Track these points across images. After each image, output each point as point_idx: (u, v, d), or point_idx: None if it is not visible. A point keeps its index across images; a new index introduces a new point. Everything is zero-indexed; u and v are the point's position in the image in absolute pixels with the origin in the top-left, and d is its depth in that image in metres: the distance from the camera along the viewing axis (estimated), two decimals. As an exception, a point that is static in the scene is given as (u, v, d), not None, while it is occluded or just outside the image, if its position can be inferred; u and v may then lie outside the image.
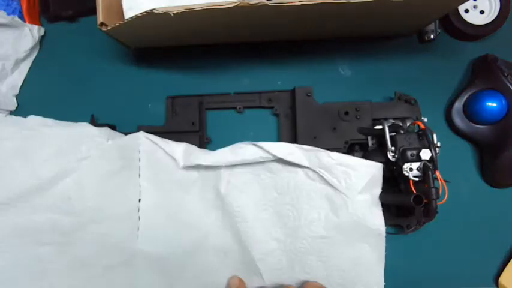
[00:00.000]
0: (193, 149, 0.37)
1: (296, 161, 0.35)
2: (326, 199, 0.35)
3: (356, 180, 0.35)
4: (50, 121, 0.37)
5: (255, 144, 0.36)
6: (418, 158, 0.36)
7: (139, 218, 0.35)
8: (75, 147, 0.34)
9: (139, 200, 0.36)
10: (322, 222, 0.35)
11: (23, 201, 0.32)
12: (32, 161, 0.33)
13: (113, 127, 0.43)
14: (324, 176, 0.35)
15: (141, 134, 0.37)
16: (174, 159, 0.36)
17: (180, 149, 0.36)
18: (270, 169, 0.36)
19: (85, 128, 0.37)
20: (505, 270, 0.41)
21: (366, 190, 0.35)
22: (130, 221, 0.35)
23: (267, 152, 0.35)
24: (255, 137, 0.44)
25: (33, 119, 0.36)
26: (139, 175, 0.36)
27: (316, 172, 0.35)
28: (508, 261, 0.41)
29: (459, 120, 0.42)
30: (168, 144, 0.36)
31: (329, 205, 0.36)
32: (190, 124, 0.43)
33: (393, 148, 0.37)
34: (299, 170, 0.36)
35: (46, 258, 0.32)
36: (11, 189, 0.32)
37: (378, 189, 0.36)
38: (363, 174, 0.35)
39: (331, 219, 0.35)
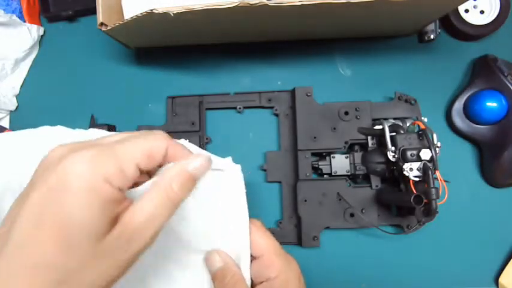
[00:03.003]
0: None
1: None
2: None
3: None
4: None
5: None
6: (418, 158, 0.36)
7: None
8: None
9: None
10: None
11: None
12: None
13: (113, 127, 0.44)
14: None
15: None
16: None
17: None
18: None
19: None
20: (505, 270, 0.41)
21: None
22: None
23: None
24: (254, 137, 0.45)
25: None
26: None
27: None
28: (508, 261, 0.41)
29: (459, 120, 0.42)
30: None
31: None
32: (190, 124, 0.43)
33: (393, 148, 0.37)
34: None
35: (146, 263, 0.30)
36: None
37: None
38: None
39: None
